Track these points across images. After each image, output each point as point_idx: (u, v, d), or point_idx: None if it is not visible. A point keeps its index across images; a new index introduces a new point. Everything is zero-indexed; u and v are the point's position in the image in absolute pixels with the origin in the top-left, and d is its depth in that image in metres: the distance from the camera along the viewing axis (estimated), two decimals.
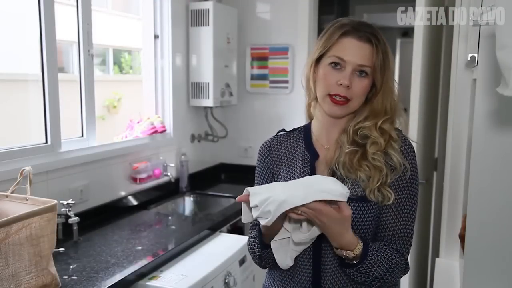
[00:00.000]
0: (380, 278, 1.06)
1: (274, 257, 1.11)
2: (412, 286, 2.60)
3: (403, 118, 1.17)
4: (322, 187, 0.96)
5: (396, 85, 1.15)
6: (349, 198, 1.07)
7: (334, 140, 1.18)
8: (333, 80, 1.09)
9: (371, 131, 1.11)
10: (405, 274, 1.13)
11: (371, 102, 1.13)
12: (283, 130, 1.27)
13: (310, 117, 1.26)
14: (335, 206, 0.96)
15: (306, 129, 1.24)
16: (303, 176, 1.14)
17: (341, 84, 1.07)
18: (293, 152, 1.20)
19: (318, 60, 1.13)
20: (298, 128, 1.26)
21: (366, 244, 1.04)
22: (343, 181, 1.10)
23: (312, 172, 1.16)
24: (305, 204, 0.94)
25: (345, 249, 1.02)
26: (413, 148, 1.15)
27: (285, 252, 1.09)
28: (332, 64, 1.09)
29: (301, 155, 1.19)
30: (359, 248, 1.02)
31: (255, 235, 1.18)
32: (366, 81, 1.09)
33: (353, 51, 1.08)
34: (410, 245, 1.13)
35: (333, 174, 1.12)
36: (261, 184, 1.23)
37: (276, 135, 1.26)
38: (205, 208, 2.74)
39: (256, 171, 1.26)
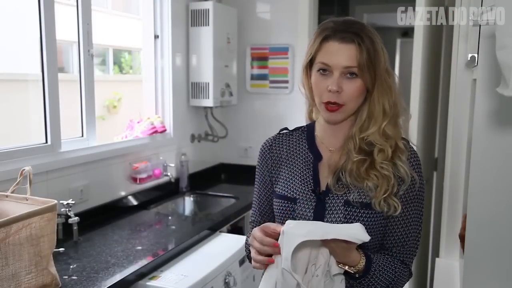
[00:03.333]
0: None
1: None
2: (412, 286, 2.60)
3: (405, 117, 1.15)
4: (344, 231, 0.97)
5: (396, 82, 1.12)
6: (354, 206, 1.08)
7: (339, 143, 1.16)
8: (323, 87, 1.07)
9: (375, 138, 1.09)
10: (408, 281, 1.14)
11: (368, 103, 1.10)
12: (286, 128, 1.25)
13: (311, 120, 1.24)
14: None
15: (310, 128, 1.22)
16: (304, 177, 1.14)
17: (330, 91, 1.06)
18: (295, 152, 1.19)
19: (310, 66, 1.12)
20: (301, 127, 1.24)
21: (369, 259, 1.04)
22: (348, 187, 1.09)
23: (315, 173, 1.14)
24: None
25: (348, 265, 1.02)
26: (419, 159, 1.14)
27: None
28: (320, 70, 1.08)
29: (303, 155, 1.18)
30: (361, 263, 1.03)
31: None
32: (358, 82, 1.06)
33: (337, 54, 1.05)
34: (415, 255, 1.14)
35: (338, 179, 1.11)
36: (259, 183, 1.23)
37: (279, 133, 1.24)
38: (205, 208, 2.74)
39: (256, 170, 1.25)
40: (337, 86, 1.05)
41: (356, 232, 0.98)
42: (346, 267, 1.02)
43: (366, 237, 0.97)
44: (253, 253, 1.03)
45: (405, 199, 1.09)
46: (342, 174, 1.10)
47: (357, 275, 1.03)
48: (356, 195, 1.08)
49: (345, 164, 1.11)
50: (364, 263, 1.03)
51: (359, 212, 1.07)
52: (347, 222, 1.06)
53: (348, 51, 1.05)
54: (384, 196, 1.06)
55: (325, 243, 0.98)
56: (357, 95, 1.08)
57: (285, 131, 1.25)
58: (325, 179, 1.13)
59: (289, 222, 0.99)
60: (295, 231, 0.96)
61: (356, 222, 1.06)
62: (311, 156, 1.17)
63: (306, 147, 1.19)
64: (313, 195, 1.11)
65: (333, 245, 0.98)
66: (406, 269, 1.11)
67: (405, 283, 1.13)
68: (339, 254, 1.00)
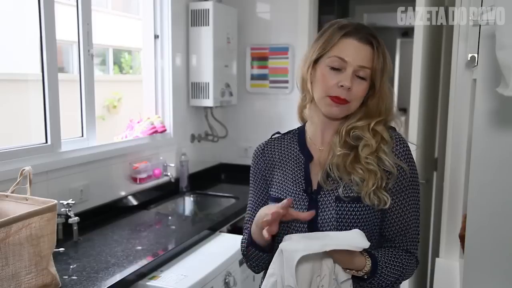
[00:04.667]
0: (394, 282, 1.08)
1: (261, 258, 1.14)
2: (412, 286, 2.60)
3: (399, 119, 1.16)
4: (343, 240, 0.97)
5: (391, 88, 1.14)
6: (343, 200, 1.08)
7: (327, 140, 1.17)
8: (332, 82, 1.07)
9: (363, 131, 1.10)
10: (416, 269, 1.15)
11: (367, 105, 1.12)
12: (278, 132, 1.26)
13: (303, 120, 1.25)
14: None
15: (301, 131, 1.23)
16: (296, 178, 1.15)
17: (341, 86, 1.06)
18: (287, 155, 1.20)
19: (315, 61, 1.12)
20: (293, 130, 1.25)
21: (375, 259, 1.05)
22: (338, 182, 1.09)
23: (307, 174, 1.14)
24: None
25: (354, 270, 1.03)
26: (408, 146, 1.13)
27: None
28: (332, 65, 1.08)
29: (295, 157, 1.18)
30: (368, 266, 1.03)
31: (246, 236, 1.19)
32: (365, 84, 1.09)
33: (354, 52, 1.06)
34: (419, 242, 1.15)
35: (327, 175, 1.11)
36: (254, 188, 1.24)
37: (271, 138, 1.25)
38: (205, 208, 2.75)
39: (250, 176, 1.25)
40: (350, 82, 1.06)
41: (356, 240, 0.98)
42: (353, 272, 1.02)
43: (366, 244, 0.97)
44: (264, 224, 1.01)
45: (399, 188, 1.10)
46: (330, 169, 1.11)
47: (365, 277, 1.04)
48: (344, 188, 1.08)
49: (331, 158, 1.12)
50: (370, 264, 1.03)
51: (350, 207, 1.07)
52: (339, 218, 1.07)
53: (365, 52, 1.07)
54: (373, 189, 1.06)
55: (326, 253, 0.98)
56: (361, 96, 1.10)
57: (277, 135, 1.26)
58: (317, 178, 1.13)
59: (286, 238, 1.00)
60: (293, 247, 0.96)
61: (348, 216, 1.07)
62: (302, 157, 1.17)
63: (298, 149, 1.19)
64: (305, 195, 1.12)
65: (335, 255, 0.99)
66: (412, 258, 1.12)
67: (414, 271, 1.13)
68: (343, 261, 1.01)
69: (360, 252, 1.03)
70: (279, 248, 0.98)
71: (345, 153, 1.10)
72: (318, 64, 1.11)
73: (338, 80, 1.07)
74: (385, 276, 1.06)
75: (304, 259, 0.96)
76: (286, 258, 0.96)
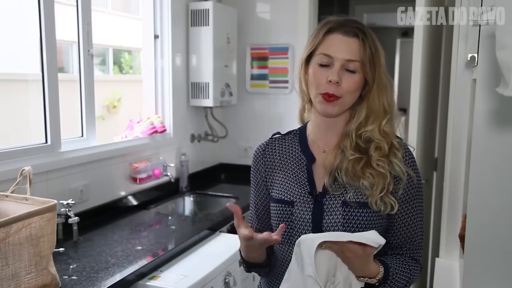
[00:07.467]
0: None
1: (262, 269, 1.16)
2: (412, 286, 2.60)
3: (399, 118, 1.16)
4: (359, 236, 0.97)
5: (392, 82, 1.13)
6: (352, 206, 1.07)
7: (333, 143, 1.15)
8: (322, 78, 1.06)
9: (374, 134, 1.09)
10: (419, 274, 1.16)
11: (367, 100, 1.10)
12: (278, 133, 1.25)
13: (303, 122, 1.24)
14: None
15: (302, 131, 1.21)
16: (299, 180, 1.13)
17: (330, 81, 1.05)
18: (288, 155, 1.18)
19: (308, 61, 1.12)
20: (293, 130, 1.24)
21: (387, 266, 1.05)
22: (344, 187, 1.09)
23: (310, 176, 1.13)
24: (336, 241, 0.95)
25: (368, 277, 1.03)
26: (414, 157, 1.14)
27: None
28: (321, 63, 1.07)
29: (296, 158, 1.17)
30: (381, 273, 1.03)
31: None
32: (356, 77, 1.06)
33: (340, 46, 1.06)
34: (422, 249, 1.16)
35: (334, 180, 1.10)
36: (254, 189, 1.23)
37: (271, 138, 1.24)
38: (205, 208, 2.75)
39: (250, 176, 1.25)
40: (337, 77, 1.05)
41: (372, 237, 0.97)
42: (367, 279, 1.02)
43: (382, 240, 0.97)
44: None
45: (408, 197, 1.10)
46: (338, 174, 1.10)
47: (377, 284, 1.04)
48: (353, 194, 1.08)
49: (340, 163, 1.11)
50: (383, 271, 1.03)
51: (357, 212, 1.06)
52: (346, 223, 1.06)
53: (351, 45, 1.06)
54: (381, 195, 1.05)
55: (343, 251, 0.97)
56: (354, 89, 1.08)
57: (277, 135, 1.25)
58: (321, 180, 1.12)
59: (303, 236, 1.00)
60: (312, 236, 0.96)
61: (355, 222, 1.06)
62: (304, 159, 1.16)
63: (299, 149, 1.18)
64: (310, 197, 1.11)
65: (350, 256, 0.97)
66: (418, 265, 1.13)
67: (417, 277, 1.14)
68: (358, 267, 1.00)
69: (373, 259, 1.02)
70: (297, 242, 0.97)
71: (358, 157, 1.09)
72: (309, 63, 1.11)
73: (326, 76, 1.06)
74: (395, 283, 1.06)
75: (320, 263, 0.96)
76: (304, 248, 0.95)
